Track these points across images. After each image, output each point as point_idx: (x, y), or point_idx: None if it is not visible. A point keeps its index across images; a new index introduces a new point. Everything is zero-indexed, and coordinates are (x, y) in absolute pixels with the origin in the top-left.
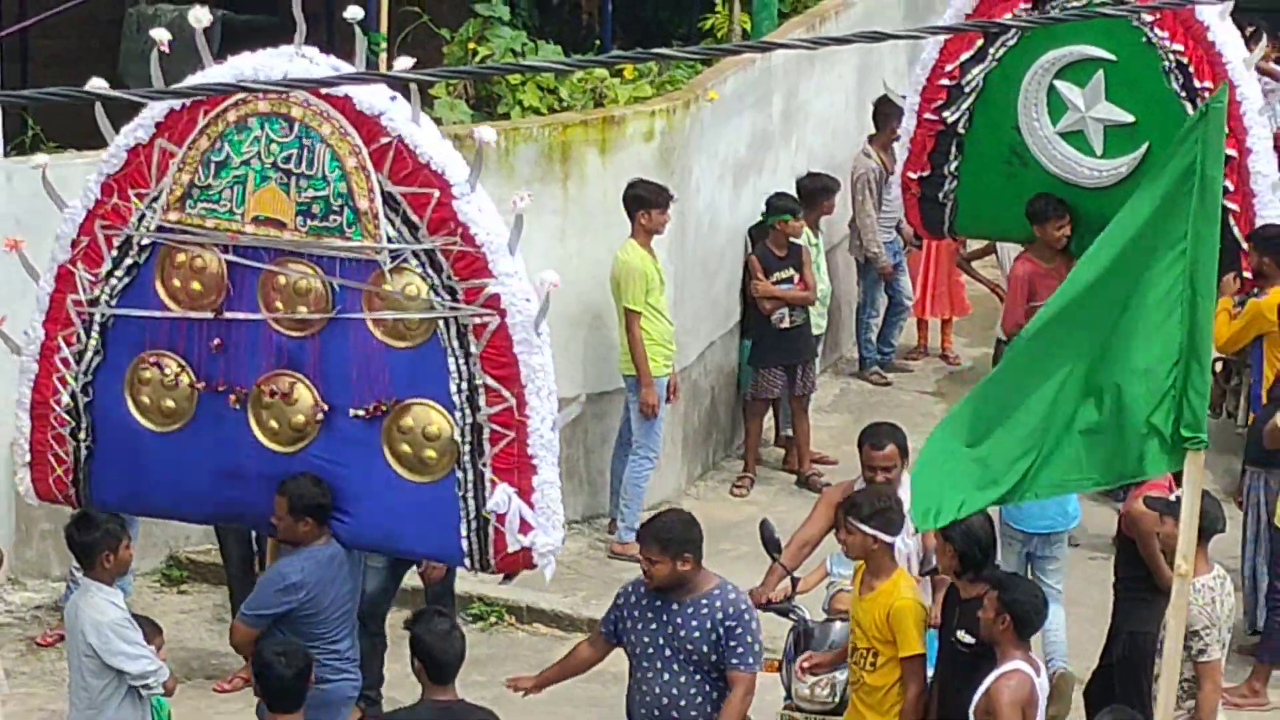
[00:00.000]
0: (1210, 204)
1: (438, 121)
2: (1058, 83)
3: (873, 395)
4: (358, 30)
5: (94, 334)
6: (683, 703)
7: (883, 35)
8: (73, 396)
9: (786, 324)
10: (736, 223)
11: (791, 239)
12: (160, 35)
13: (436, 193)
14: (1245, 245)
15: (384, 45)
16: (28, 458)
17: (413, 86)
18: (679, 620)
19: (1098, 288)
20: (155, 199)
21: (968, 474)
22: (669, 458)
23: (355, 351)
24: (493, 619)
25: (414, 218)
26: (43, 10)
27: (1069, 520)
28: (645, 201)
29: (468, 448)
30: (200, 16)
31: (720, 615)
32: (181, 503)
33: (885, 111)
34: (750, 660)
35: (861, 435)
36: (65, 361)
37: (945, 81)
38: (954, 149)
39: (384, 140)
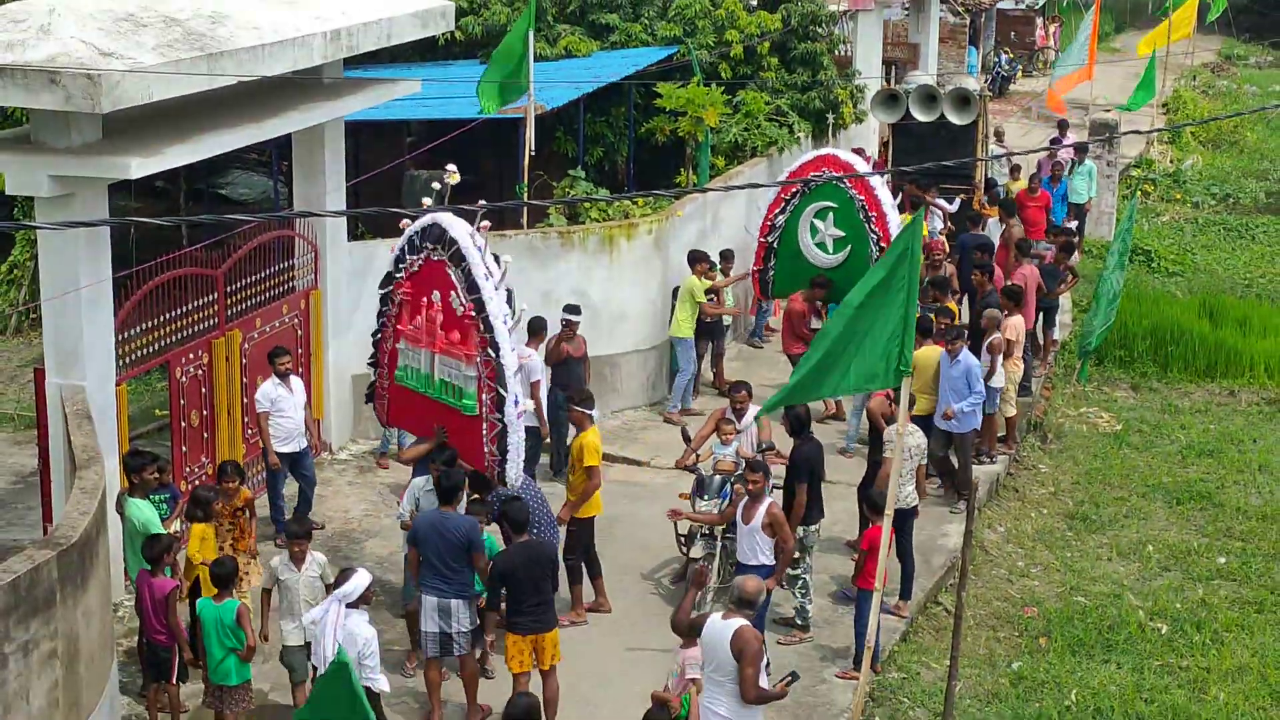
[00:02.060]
0: (914, 264)
1: (550, 226)
2: (815, 219)
3: (752, 353)
4: (448, 189)
5: None
6: None
7: (755, 185)
8: None
9: (709, 320)
10: (685, 272)
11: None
12: (449, 180)
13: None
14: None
15: (525, 189)
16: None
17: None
18: None
19: (864, 301)
20: None
21: (792, 385)
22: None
23: None
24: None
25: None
26: (365, 174)
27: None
28: (694, 260)
29: None
30: (448, 180)
31: None
32: None
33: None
34: None
35: (729, 386)
36: None
37: (770, 220)
38: (773, 255)
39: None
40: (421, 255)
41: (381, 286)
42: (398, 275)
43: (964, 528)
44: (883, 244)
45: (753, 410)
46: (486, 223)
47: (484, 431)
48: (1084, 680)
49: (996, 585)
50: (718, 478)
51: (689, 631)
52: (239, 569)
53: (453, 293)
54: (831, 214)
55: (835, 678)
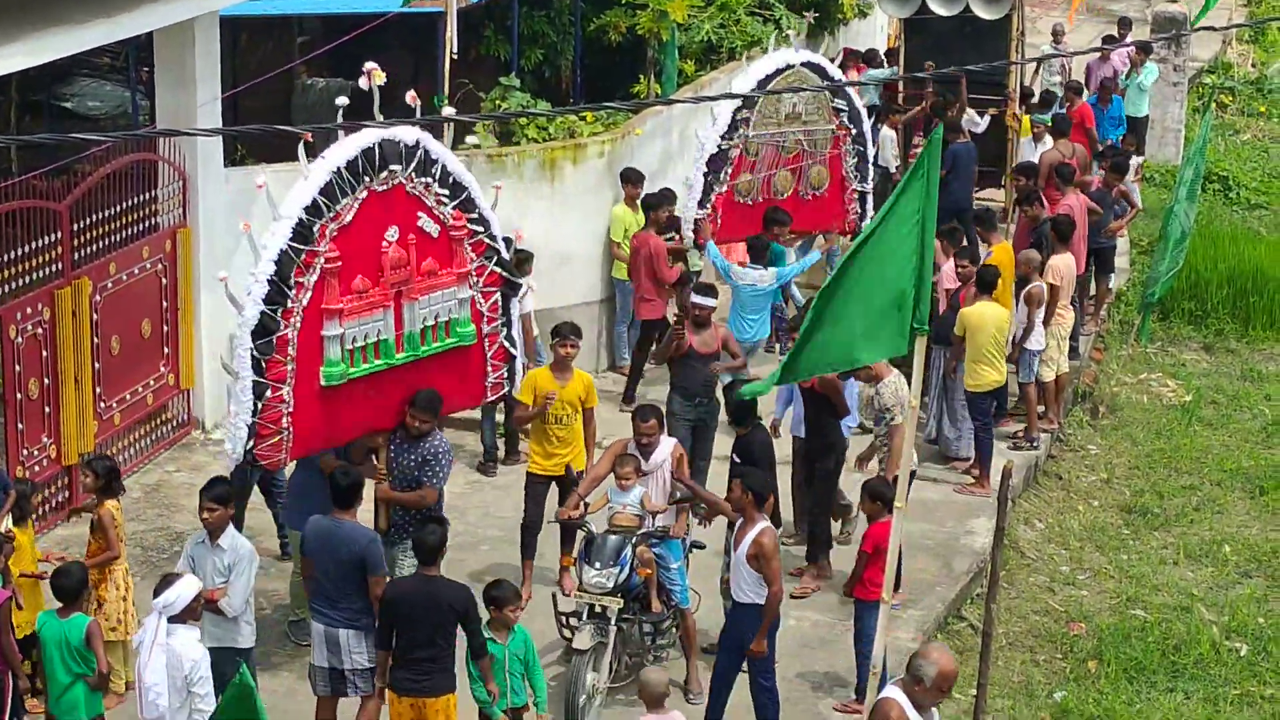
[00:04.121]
0: (932, 194)
1: (476, 147)
2: None
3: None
4: (376, 95)
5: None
6: None
7: (731, 95)
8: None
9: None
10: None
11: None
12: (341, 102)
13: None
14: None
15: (446, 102)
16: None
17: (449, 126)
18: None
19: (869, 244)
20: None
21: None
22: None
23: None
24: None
25: None
26: (247, 82)
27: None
28: (629, 179)
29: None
30: (342, 101)
31: None
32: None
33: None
34: None
35: (633, 413)
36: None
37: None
38: None
39: None
40: (356, 195)
41: (278, 265)
42: (308, 243)
43: (994, 524)
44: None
45: (665, 444)
46: None
47: (486, 352)
48: (1143, 714)
49: (1035, 596)
50: (614, 538)
51: None
52: (88, 578)
53: (421, 215)
54: None
55: (833, 710)
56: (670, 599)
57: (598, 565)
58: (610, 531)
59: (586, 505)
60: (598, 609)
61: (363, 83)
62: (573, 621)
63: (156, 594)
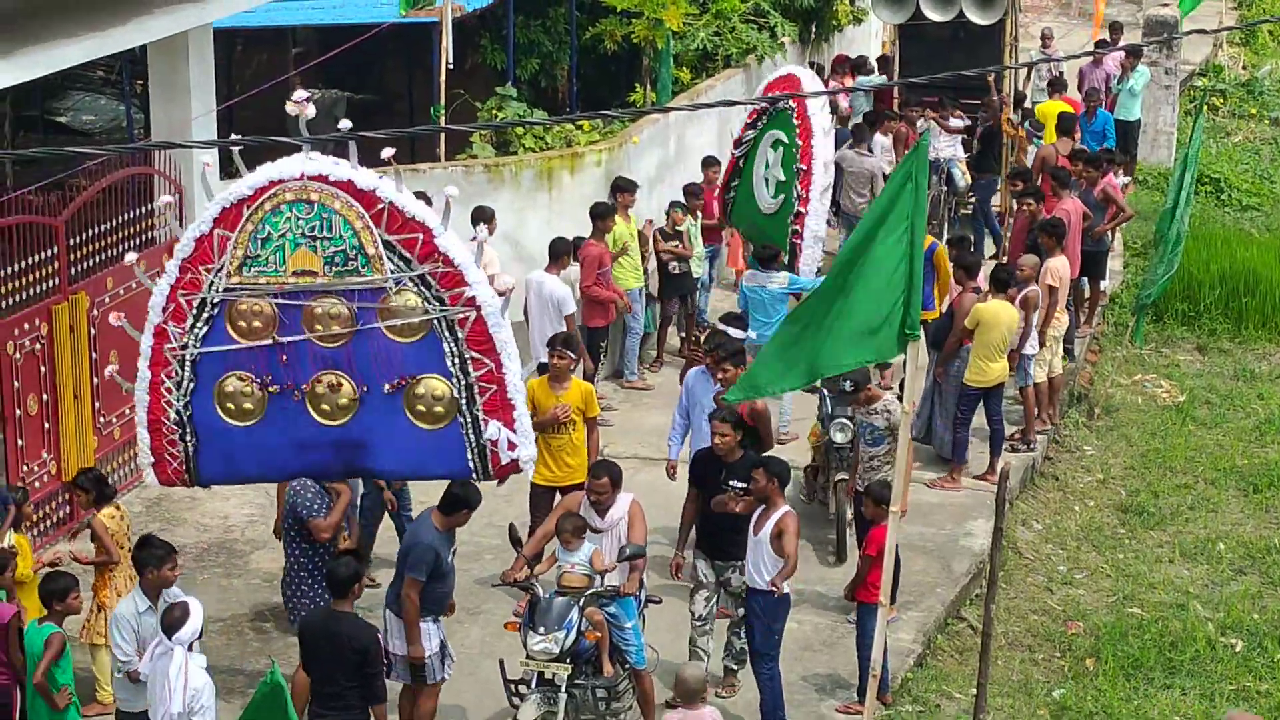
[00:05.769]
0: (921, 200)
1: (473, 157)
2: (770, 149)
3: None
4: (304, 126)
5: (187, 369)
6: None
7: (728, 103)
8: (178, 414)
9: (677, 271)
10: (650, 211)
11: (676, 225)
12: (308, 113)
13: (421, 236)
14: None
15: (443, 112)
16: (150, 459)
17: (395, 165)
18: None
19: (859, 249)
20: (219, 270)
21: (772, 367)
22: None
23: (376, 349)
24: None
25: (406, 254)
26: (242, 93)
27: None
28: (621, 188)
29: (464, 400)
30: (308, 113)
31: None
32: (266, 470)
33: (708, 161)
34: None
35: (590, 468)
36: (169, 390)
37: (743, 135)
38: (738, 175)
39: (379, 206)
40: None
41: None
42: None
43: (993, 525)
44: (801, 207)
45: (622, 501)
46: (391, 150)
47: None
48: (1141, 710)
49: (1033, 595)
50: (559, 600)
51: None
52: (69, 588)
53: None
54: (782, 149)
55: (835, 712)
56: (625, 660)
57: (542, 630)
58: (558, 593)
59: (531, 567)
60: (546, 676)
61: (290, 109)
62: (521, 689)
63: (167, 625)
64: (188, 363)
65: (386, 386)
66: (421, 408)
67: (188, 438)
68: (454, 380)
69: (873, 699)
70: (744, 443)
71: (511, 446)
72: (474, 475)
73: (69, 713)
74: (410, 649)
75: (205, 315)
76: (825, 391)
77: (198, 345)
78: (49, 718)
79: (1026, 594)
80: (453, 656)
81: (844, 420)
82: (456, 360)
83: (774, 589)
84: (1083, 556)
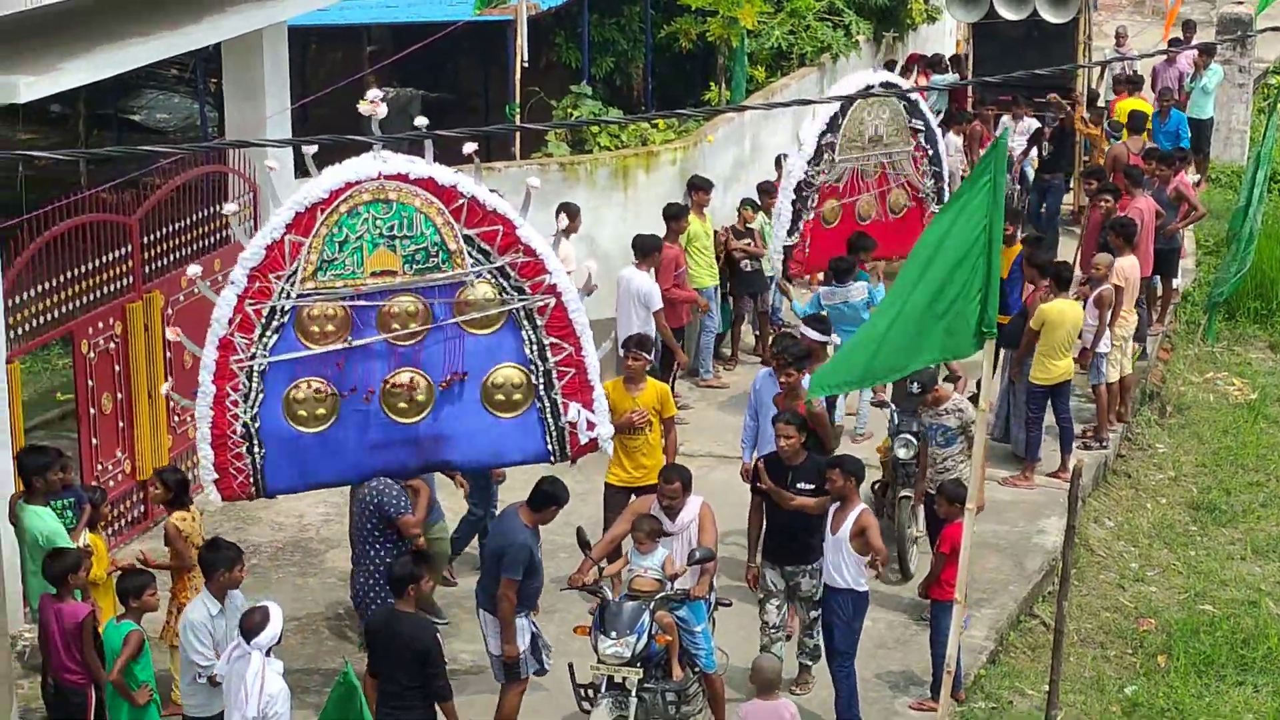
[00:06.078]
0: (999, 196)
1: (549, 156)
2: None
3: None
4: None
5: (255, 379)
6: None
7: (803, 102)
8: (245, 425)
9: (749, 269)
10: (725, 210)
11: (747, 223)
12: (380, 112)
13: (502, 228)
14: None
15: (518, 110)
16: (214, 475)
17: (476, 162)
18: None
19: (934, 247)
20: (291, 276)
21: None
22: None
23: (450, 343)
24: None
25: (486, 247)
26: (316, 91)
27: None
28: (697, 186)
29: (542, 385)
30: (380, 112)
31: None
32: (343, 473)
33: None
34: None
35: (660, 472)
36: (235, 403)
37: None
38: None
39: (459, 201)
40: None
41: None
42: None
43: (1065, 522)
44: None
45: (693, 504)
46: (472, 145)
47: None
48: (1213, 707)
49: (1105, 592)
50: (630, 604)
51: None
52: (151, 583)
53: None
54: None
55: (909, 709)
56: (695, 664)
57: (614, 634)
58: (628, 598)
59: (601, 570)
60: (617, 680)
61: (363, 109)
62: (591, 694)
63: (246, 629)
64: (255, 374)
65: (441, 383)
66: (500, 397)
67: (255, 449)
68: (531, 366)
69: (947, 696)
70: (806, 444)
71: (590, 426)
72: (552, 458)
73: (149, 710)
74: (505, 648)
75: (275, 324)
76: (894, 406)
77: (266, 355)
78: (129, 715)
79: (1099, 591)
80: (549, 645)
81: (908, 436)
82: (535, 347)
83: (854, 588)
84: (1154, 554)
